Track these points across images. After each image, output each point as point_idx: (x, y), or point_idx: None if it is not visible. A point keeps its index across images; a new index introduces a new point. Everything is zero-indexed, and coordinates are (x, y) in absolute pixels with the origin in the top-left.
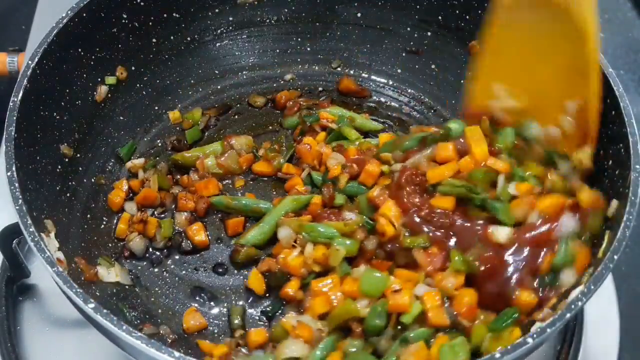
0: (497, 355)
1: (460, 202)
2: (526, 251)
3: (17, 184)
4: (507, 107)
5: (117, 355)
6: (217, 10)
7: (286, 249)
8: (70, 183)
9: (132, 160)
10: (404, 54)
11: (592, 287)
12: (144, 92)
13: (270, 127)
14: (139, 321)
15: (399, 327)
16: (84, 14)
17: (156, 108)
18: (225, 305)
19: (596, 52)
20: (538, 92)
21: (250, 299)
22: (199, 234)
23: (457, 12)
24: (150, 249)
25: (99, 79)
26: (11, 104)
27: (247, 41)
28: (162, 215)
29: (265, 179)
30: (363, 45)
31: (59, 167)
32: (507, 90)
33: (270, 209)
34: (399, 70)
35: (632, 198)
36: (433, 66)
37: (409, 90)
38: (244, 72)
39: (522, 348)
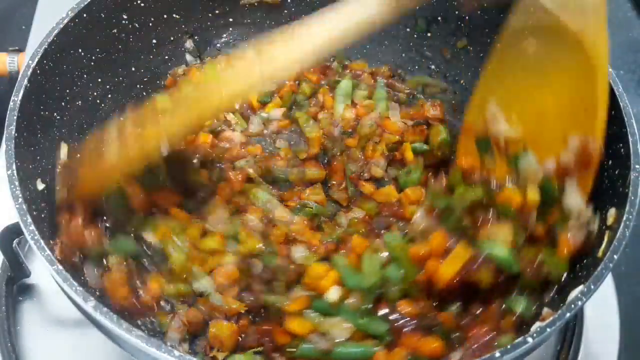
0: (497, 354)
1: None
2: None
3: (17, 183)
4: (502, 132)
5: (117, 355)
6: (217, 12)
7: None
8: (70, 183)
9: None
10: (403, 55)
11: (592, 286)
12: (144, 93)
13: None
14: None
15: None
16: (84, 15)
17: None
18: None
19: (606, 89)
20: (537, 123)
21: None
22: None
23: (457, 12)
24: None
25: (99, 79)
26: (11, 103)
27: (247, 42)
28: None
29: None
30: (363, 46)
31: (59, 167)
32: (504, 115)
33: None
34: (399, 71)
35: (632, 198)
36: (433, 67)
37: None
38: None
39: (521, 347)
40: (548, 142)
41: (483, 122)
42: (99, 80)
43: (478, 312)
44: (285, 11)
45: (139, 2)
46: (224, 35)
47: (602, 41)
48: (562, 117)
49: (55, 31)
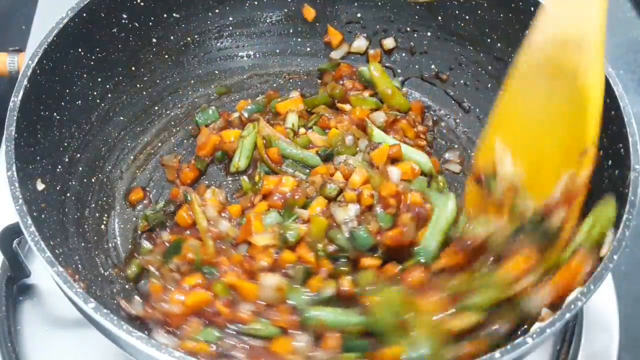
0: (497, 355)
1: None
2: None
3: (17, 184)
4: (508, 174)
5: (117, 355)
6: (217, 11)
7: None
8: (70, 183)
9: None
10: (403, 54)
11: (592, 287)
12: (144, 92)
13: None
14: None
15: None
16: (84, 14)
17: (156, 108)
18: None
19: (596, 126)
20: (536, 164)
21: None
22: None
23: (457, 12)
24: None
25: (99, 79)
26: (11, 103)
27: (247, 41)
28: None
29: None
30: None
31: (59, 167)
32: (511, 155)
33: None
34: (399, 70)
35: (632, 198)
36: (433, 66)
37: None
38: (244, 72)
39: (521, 348)
40: (542, 183)
41: (492, 163)
42: (99, 80)
43: None
44: (286, 10)
45: (139, 2)
46: (224, 35)
47: (595, 78)
48: (557, 156)
49: (55, 31)
